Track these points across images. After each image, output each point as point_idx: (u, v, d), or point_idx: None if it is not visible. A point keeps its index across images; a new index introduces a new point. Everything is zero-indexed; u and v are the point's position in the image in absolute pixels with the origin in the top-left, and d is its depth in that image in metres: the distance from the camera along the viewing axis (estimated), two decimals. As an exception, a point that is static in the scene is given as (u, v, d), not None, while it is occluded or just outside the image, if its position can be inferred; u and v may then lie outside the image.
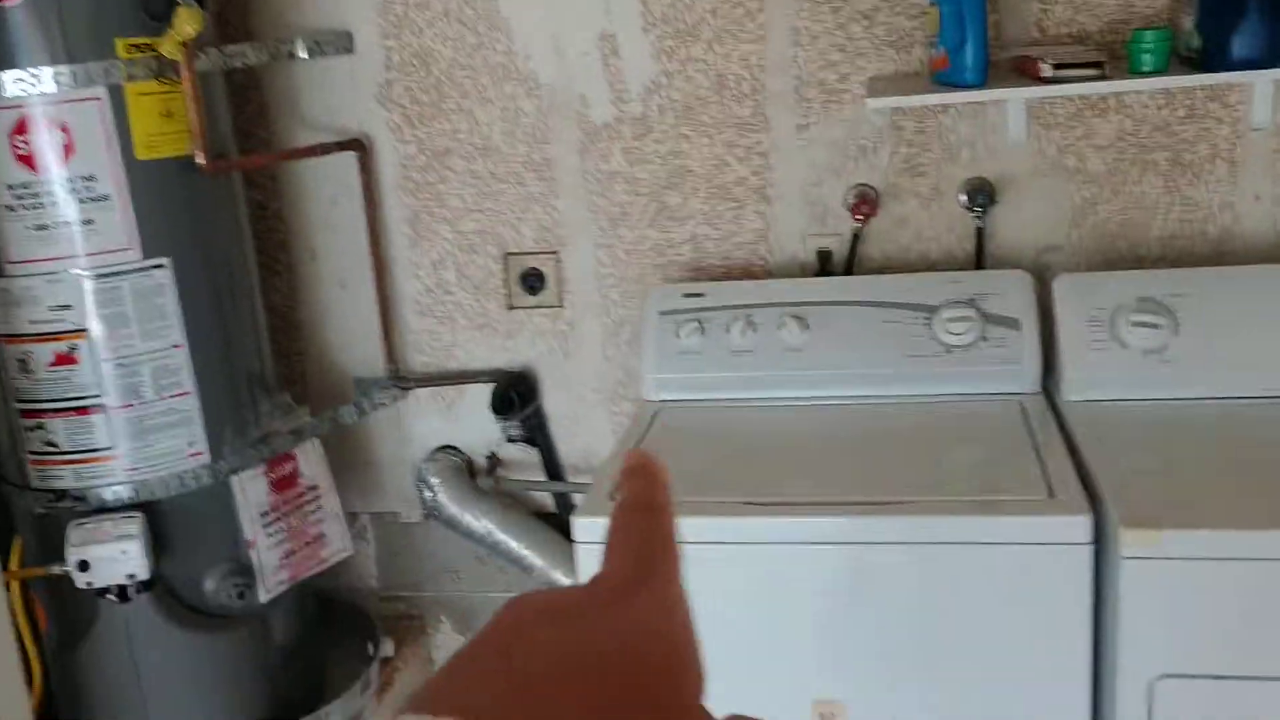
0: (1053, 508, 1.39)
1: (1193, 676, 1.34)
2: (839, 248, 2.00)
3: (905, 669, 1.45)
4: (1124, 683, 1.36)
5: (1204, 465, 1.51)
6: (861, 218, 1.94)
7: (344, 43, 2.03)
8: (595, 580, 0.41)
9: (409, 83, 2.07)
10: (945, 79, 1.74)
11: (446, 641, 2.37)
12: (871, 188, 1.97)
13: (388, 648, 2.21)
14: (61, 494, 1.79)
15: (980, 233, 1.92)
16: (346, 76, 2.08)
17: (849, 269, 1.98)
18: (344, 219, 2.15)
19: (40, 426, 1.77)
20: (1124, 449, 1.56)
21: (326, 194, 2.15)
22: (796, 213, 2.01)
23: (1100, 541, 1.36)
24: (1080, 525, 1.35)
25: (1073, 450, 1.57)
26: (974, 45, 1.69)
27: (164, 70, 1.71)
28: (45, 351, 1.73)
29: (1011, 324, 1.78)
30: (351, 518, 2.33)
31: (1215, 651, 1.33)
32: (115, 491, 1.78)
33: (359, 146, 2.07)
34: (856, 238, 1.96)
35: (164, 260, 1.75)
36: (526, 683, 0.36)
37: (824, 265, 2.01)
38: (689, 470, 1.63)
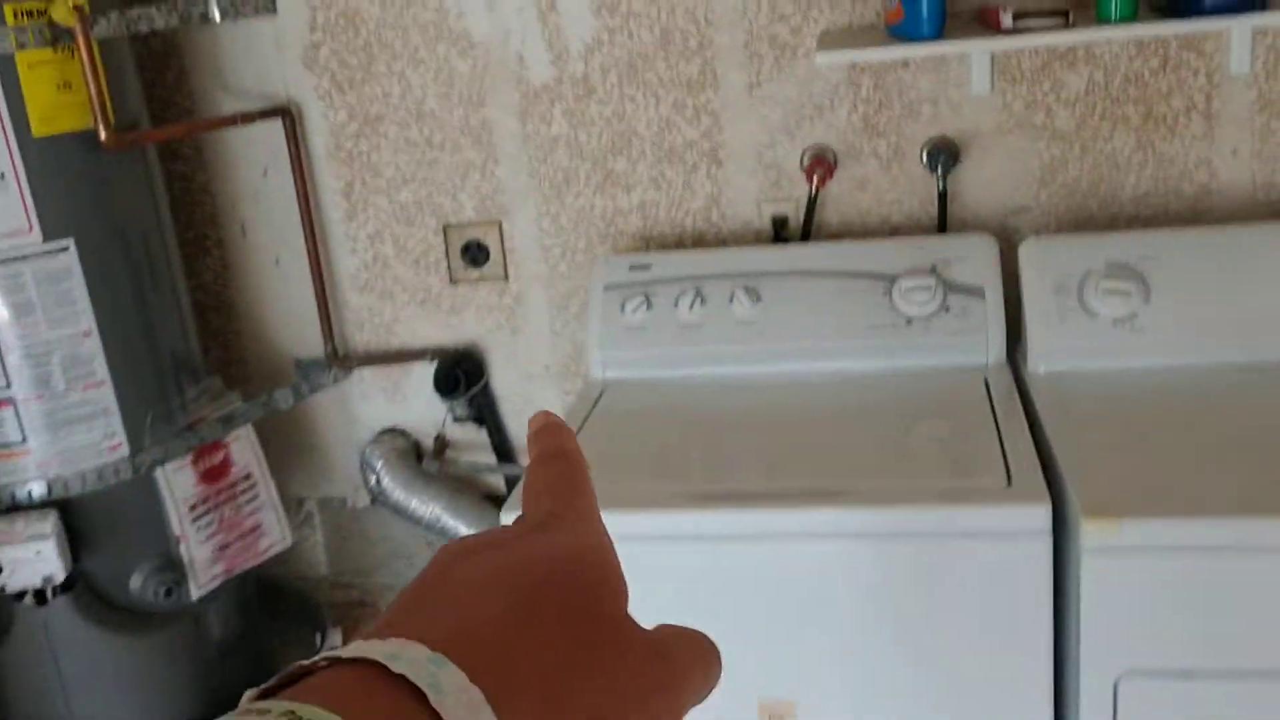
0: (1010, 497, 1.29)
1: (1158, 673, 1.25)
2: (795, 213, 1.89)
3: (858, 667, 1.36)
4: (1087, 680, 1.27)
5: (1173, 443, 1.41)
6: (818, 181, 1.83)
7: (265, 2, 1.91)
8: (518, 520, 0.43)
9: (336, 45, 1.94)
10: (900, 32, 1.62)
11: (400, 628, 2.27)
12: (828, 148, 1.85)
13: (335, 637, 2.13)
14: (-29, 492, 1.69)
15: (943, 195, 1.81)
16: (271, 39, 1.96)
17: (806, 235, 1.87)
18: (275, 191, 2.04)
19: (-55, 422, 1.67)
20: (1090, 426, 1.46)
21: (256, 164, 2.04)
22: (750, 176, 1.90)
23: (1060, 532, 1.27)
24: (1038, 515, 1.25)
25: (1036, 429, 1.48)
26: (929, -6, 1.57)
27: (58, 37, 1.59)
28: (-55, 343, 1.63)
29: (975, 292, 1.67)
30: (298, 504, 2.24)
31: (1182, 647, 1.24)
32: (29, 488, 1.68)
33: (285, 114, 1.95)
34: (813, 202, 1.85)
35: (68, 242, 1.64)
36: (464, 595, 0.37)
37: (779, 231, 1.90)
38: (633, 456, 1.54)
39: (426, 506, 2.05)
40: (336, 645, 2.10)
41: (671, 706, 0.39)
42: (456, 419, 2.11)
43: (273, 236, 2.07)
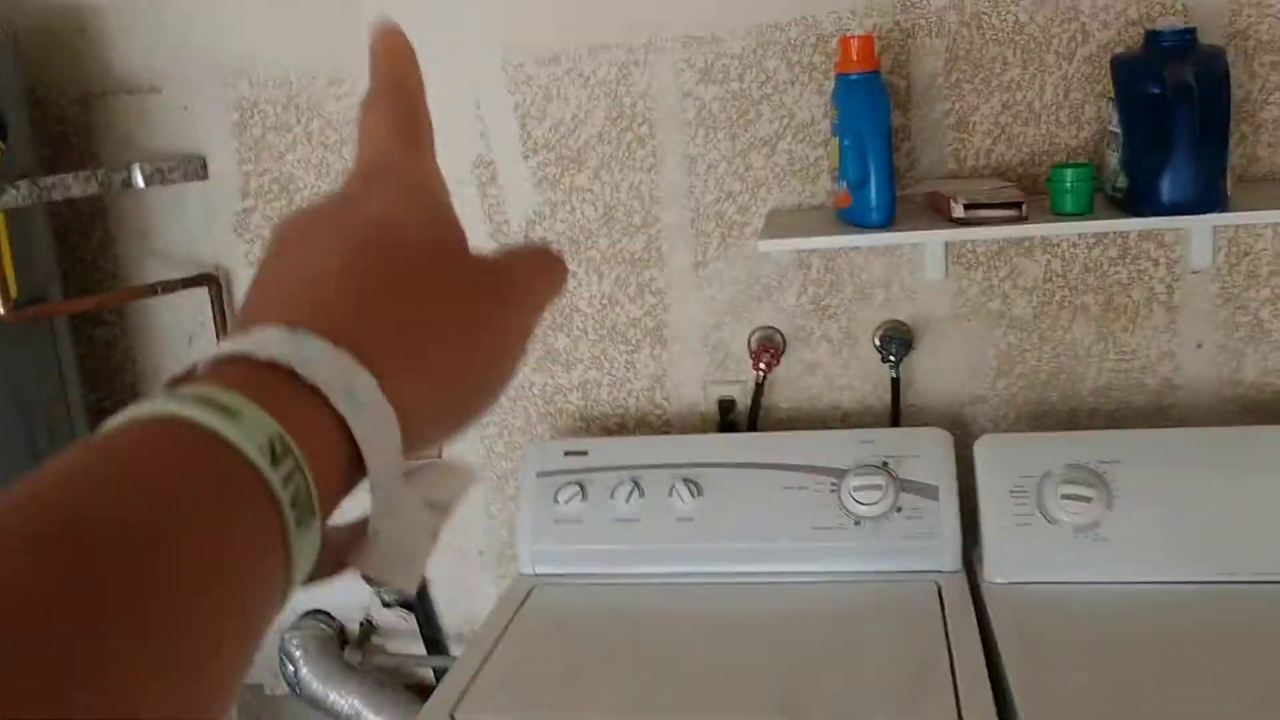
0: (958, 746, 1.17)
1: None
2: (743, 395, 1.80)
3: None
4: None
5: (1136, 670, 1.29)
6: (765, 364, 1.74)
7: (195, 168, 1.84)
8: (351, 171, 0.42)
9: (269, 211, 1.87)
10: (849, 217, 1.55)
11: (319, 828, 2.10)
12: (777, 331, 1.77)
13: (243, 844, 1.95)
14: None
15: (896, 383, 1.72)
16: (201, 204, 1.88)
17: (753, 421, 1.77)
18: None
19: None
20: (1048, 652, 1.34)
21: (181, 331, 1.94)
22: (696, 357, 1.81)
23: (1015, 789, 1.14)
24: (989, 770, 1.13)
25: (990, 647, 1.36)
26: (877, 183, 1.50)
27: (-40, 210, 1.51)
28: None
29: (929, 492, 1.57)
30: (212, 688, 2.08)
31: None
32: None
33: (210, 281, 1.86)
34: (760, 387, 1.75)
35: (-43, 424, 1.53)
36: (307, 268, 0.37)
37: (726, 415, 1.80)
38: (555, 672, 1.41)
39: (346, 700, 1.90)
40: None
41: (518, 316, 0.42)
42: (385, 604, 1.97)
43: (196, 406, 1.96)
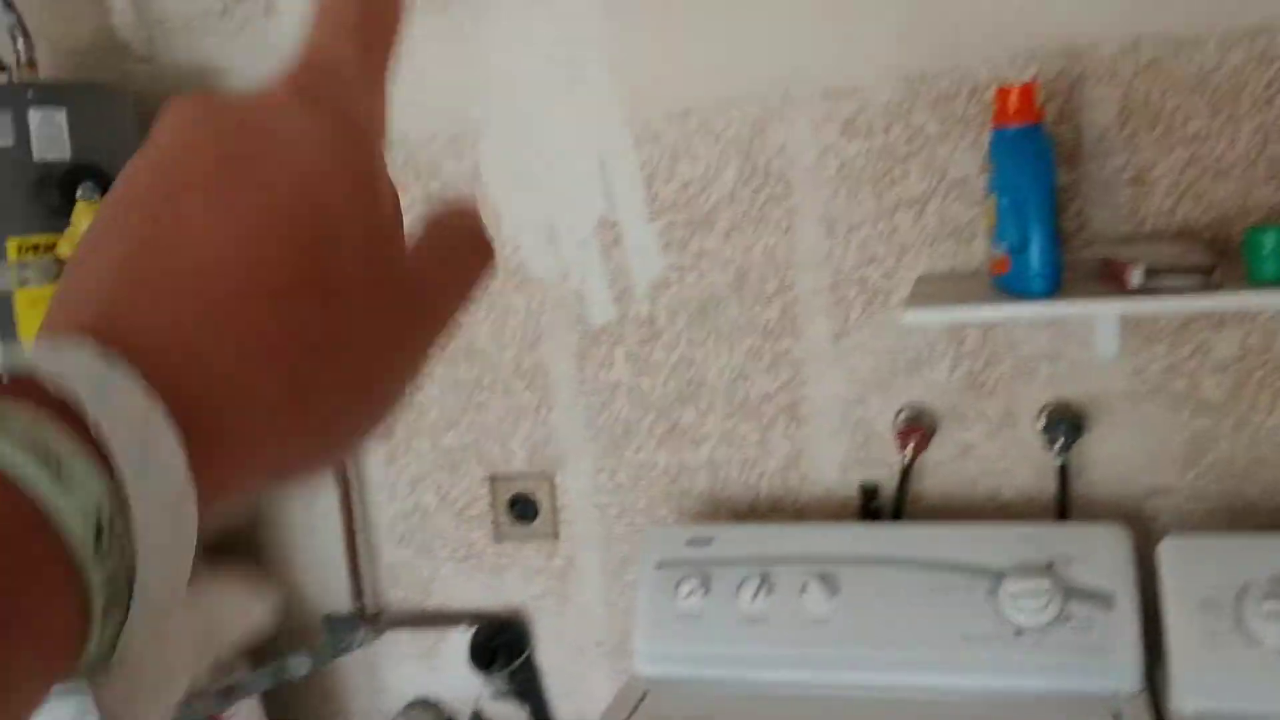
0: None
1: None
2: (887, 481, 1.62)
3: None
4: None
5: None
6: (914, 447, 1.56)
7: (313, 233, 1.78)
8: (287, 70, 0.31)
9: (386, 277, 1.79)
10: (1008, 285, 1.38)
11: None
12: (926, 409, 1.59)
13: None
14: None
15: (1064, 471, 1.52)
16: (318, 269, 1.82)
17: (898, 510, 1.59)
18: (314, 429, 1.86)
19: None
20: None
21: (296, 400, 1.87)
22: (834, 437, 1.64)
23: None
24: None
25: (1184, 798, 1.14)
26: (1040, 247, 1.32)
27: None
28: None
29: (1102, 600, 1.36)
30: (319, 775, 1.98)
31: None
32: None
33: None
34: (907, 471, 1.57)
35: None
36: (175, 233, 0.27)
37: (868, 503, 1.62)
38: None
39: (452, 799, 1.77)
40: None
41: (435, 332, 0.32)
42: (495, 695, 1.84)
43: (308, 478, 1.89)
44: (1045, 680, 1.35)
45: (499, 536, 1.81)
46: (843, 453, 1.64)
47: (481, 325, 1.76)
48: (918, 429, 1.56)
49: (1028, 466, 1.57)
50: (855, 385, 1.62)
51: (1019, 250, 1.34)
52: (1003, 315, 1.45)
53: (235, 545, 1.93)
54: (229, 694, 1.66)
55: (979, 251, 1.54)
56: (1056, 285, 1.33)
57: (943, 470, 1.60)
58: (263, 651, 1.93)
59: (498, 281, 1.74)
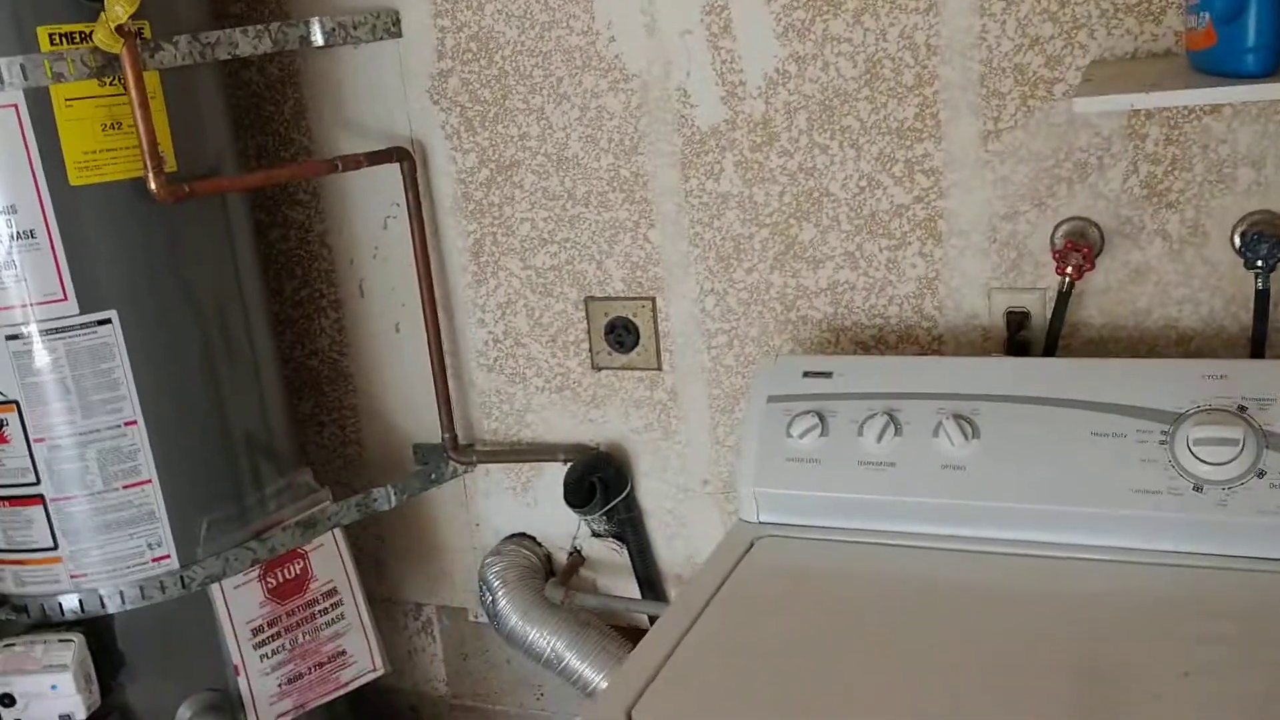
0: None
1: None
2: (1041, 307, 1.39)
3: None
4: None
5: None
6: (1074, 269, 1.32)
7: (386, 24, 1.58)
8: None
9: (467, 74, 1.59)
10: (1210, 64, 1.10)
11: (525, 768, 1.91)
12: (1093, 224, 1.34)
13: (439, 783, 1.78)
14: (2, 599, 1.44)
15: (1263, 297, 1.26)
16: (395, 67, 1.63)
17: (1052, 341, 1.36)
18: (397, 246, 1.71)
19: (-25, 516, 1.42)
20: None
21: (376, 214, 1.71)
22: (979, 257, 1.41)
23: None
24: None
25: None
26: (1259, 14, 1.04)
27: (107, 68, 1.31)
28: (-28, 426, 1.38)
29: (1306, 452, 1.12)
30: (415, 609, 1.90)
31: None
32: (60, 601, 1.41)
33: (405, 158, 1.61)
34: (1065, 296, 1.33)
35: (109, 314, 1.36)
36: None
37: (1017, 332, 1.40)
38: (772, 653, 1.09)
39: (546, 640, 1.67)
40: (438, 792, 1.75)
41: None
42: (595, 534, 1.71)
43: (393, 299, 1.74)
44: (1230, 545, 1.13)
45: (596, 365, 1.64)
46: (987, 275, 1.41)
47: (573, 131, 1.55)
48: (1080, 247, 1.31)
49: (1216, 292, 1.31)
50: (1006, 197, 1.37)
51: (1229, 19, 1.06)
52: (1202, 100, 1.18)
53: (322, 375, 1.82)
54: (311, 526, 1.56)
55: (1170, 28, 1.25)
56: (1276, 63, 1.06)
57: (1109, 296, 1.36)
58: (349, 483, 1.84)
59: (590, 80, 1.52)
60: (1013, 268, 1.39)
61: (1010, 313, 1.40)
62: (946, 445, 1.25)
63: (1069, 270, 1.31)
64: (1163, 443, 1.17)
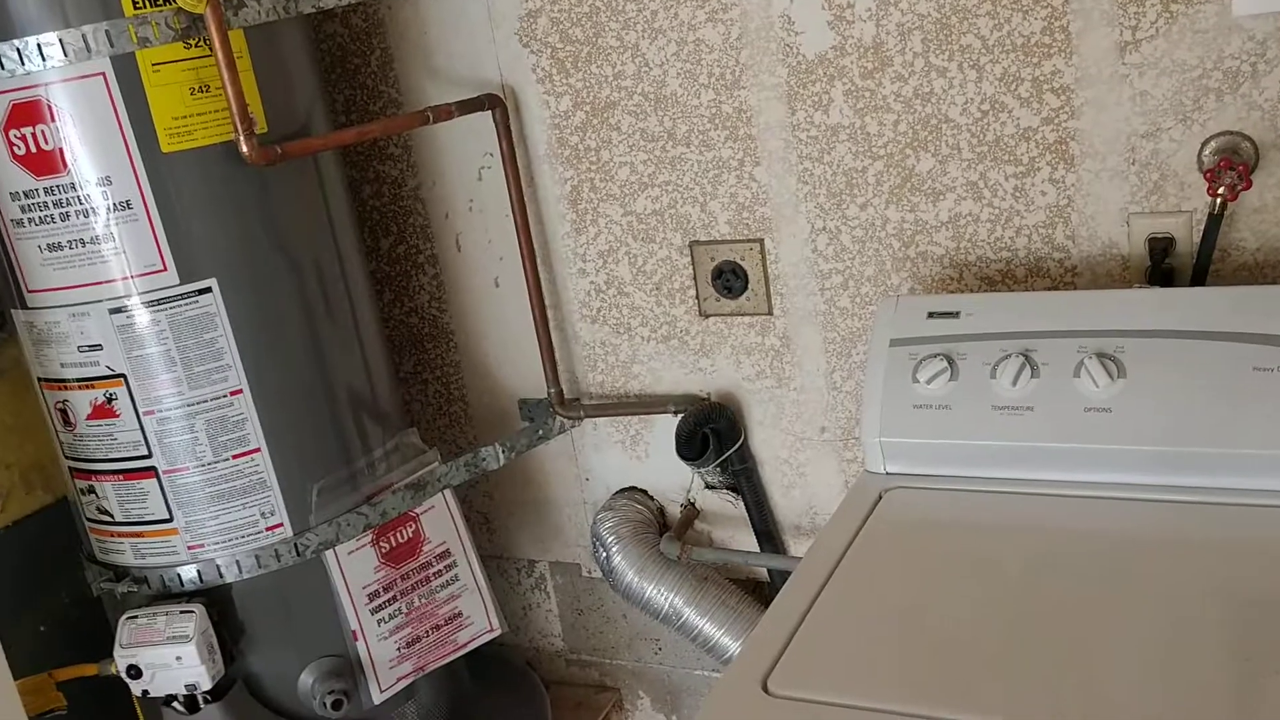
0: None
1: None
2: (1188, 234, 1.28)
3: None
4: None
5: None
6: (1226, 189, 1.21)
7: (471, -34, 1.52)
8: None
9: (557, 13, 1.52)
10: (1388, -48, 0.98)
11: (646, 722, 1.89)
12: (1246, 138, 1.23)
13: (560, 739, 1.76)
14: (122, 572, 1.44)
15: None
16: (482, 10, 1.57)
17: (1201, 271, 1.25)
18: (492, 198, 1.66)
19: (92, 490, 1.42)
20: None
21: (470, 165, 1.66)
22: (1116, 181, 1.30)
23: None
24: None
25: None
26: None
27: (191, 30, 1.27)
28: (82, 401, 1.37)
29: None
30: (529, 566, 1.88)
31: None
32: (179, 573, 1.41)
33: (496, 104, 1.55)
34: (1217, 220, 1.23)
35: (209, 282, 1.33)
36: None
37: (1161, 262, 1.29)
38: (908, 609, 1.02)
39: (664, 596, 1.63)
40: (560, 748, 1.73)
41: None
42: (709, 486, 1.66)
43: (490, 253, 1.70)
44: None
45: (704, 312, 1.58)
46: (1125, 199, 1.30)
47: (669, 66, 1.47)
48: (1234, 164, 1.20)
49: (1386, 207, 1.20)
50: (1147, 113, 1.26)
51: None
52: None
53: (423, 333, 1.79)
54: (421, 489, 1.53)
55: (1332, -84, 1.13)
56: None
57: (1264, 217, 1.25)
58: (455, 441, 1.81)
59: (686, 12, 1.44)
60: (1154, 190, 1.29)
61: (1152, 239, 1.29)
62: (1089, 386, 1.16)
63: (1222, 190, 1.20)
64: (1335, 377, 1.07)
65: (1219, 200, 1.20)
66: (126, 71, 1.25)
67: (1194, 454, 1.11)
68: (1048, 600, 1.01)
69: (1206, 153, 1.24)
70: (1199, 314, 1.16)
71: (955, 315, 1.27)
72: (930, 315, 1.28)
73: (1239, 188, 1.19)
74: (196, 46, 1.28)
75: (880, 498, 1.23)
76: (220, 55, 1.25)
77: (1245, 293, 1.17)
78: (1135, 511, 1.12)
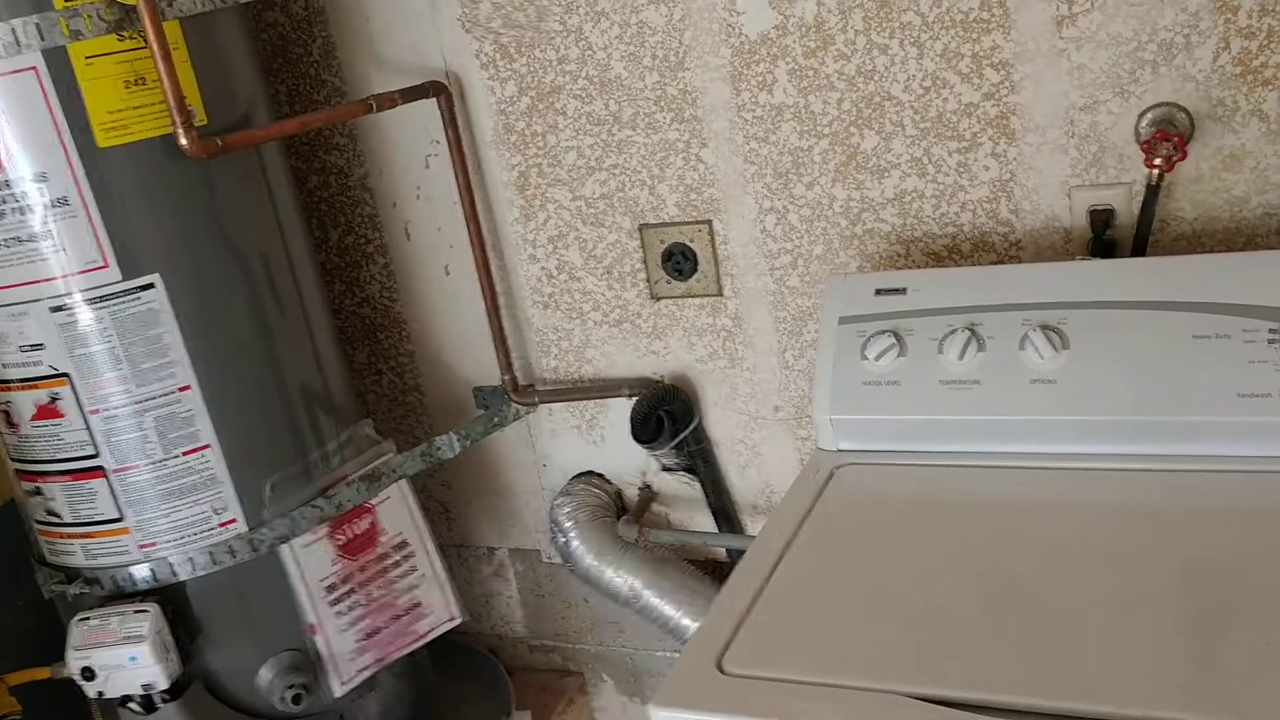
0: None
1: None
2: (1127, 204, 1.30)
3: None
4: None
5: None
6: (1163, 160, 1.22)
7: (410, -48, 1.50)
8: None
9: (499, -1, 1.51)
10: (1313, -78, 1.00)
11: (610, 705, 1.89)
12: (1181, 109, 1.24)
13: (524, 723, 1.77)
14: (74, 574, 1.42)
15: (1373, 176, 1.16)
16: (424, -3, 1.56)
17: (1141, 242, 1.27)
18: (441, 185, 1.65)
19: (39, 492, 1.41)
20: None
21: (417, 153, 1.65)
22: (1056, 154, 1.31)
23: None
24: None
25: None
26: None
27: (124, 21, 1.25)
28: (25, 401, 1.35)
29: None
30: (488, 553, 1.88)
31: None
32: (131, 572, 1.39)
33: (440, 91, 1.54)
34: (1154, 190, 1.24)
35: (153, 278, 1.31)
36: None
37: (1102, 233, 1.31)
38: (861, 586, 1.03)
39: (624, 580, 1.63)
40: (525, 734, 1.74)
41: None
42: (665, 468, 1.67)
43: (440, 241, 1.69)
44: (1349, 447, 1.06)
45: (655, 294, 1.58)
46: (1066, 172, 1.32)
47: (613, 50, 1.47)
48: (1171, 136, 1.22)
49: (1319, 174, 1.22)
50: (1084, 87, 1.28)
51: None
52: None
53: (375, 323, 1.78)
54: (376, 480, 1.53)
55: (1261, -113, 1.14)
56: (1392, -86, 0.95)
57: (1201, 187, 1.27)
58: (410, 432, 1.80)
59: (631, -8, 1.44)
60: (1094, 163, 1.30)
61: (1094, 211, 1.31)
62: (1035, 359, 1.18)
63: (1158, 162, 1.22)
64: (1273, 341, 1.09)
65: (1156, 172, 1.22)
66: (59, 65, 1.22)
67: (1137, 422, 1.13)
68: (999, 571, 1.03)
69: (1143, 125, 1.26)
70: (1139, 284, 1.17)
71: (902, 292, 1.28)
72: (878, 292, 1.29)
73: (1175, 159, 1.21)
74: (131, 39, 1.26)
75: (832, 475, 1.24)
76: (155, 47, 1.23)
77: (1183, 262, 1.18)
78: (1082, 480, 1.14)
